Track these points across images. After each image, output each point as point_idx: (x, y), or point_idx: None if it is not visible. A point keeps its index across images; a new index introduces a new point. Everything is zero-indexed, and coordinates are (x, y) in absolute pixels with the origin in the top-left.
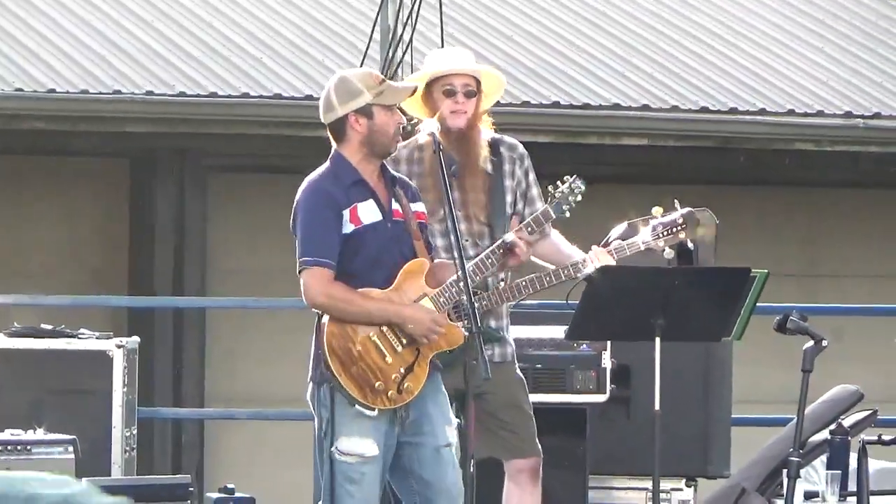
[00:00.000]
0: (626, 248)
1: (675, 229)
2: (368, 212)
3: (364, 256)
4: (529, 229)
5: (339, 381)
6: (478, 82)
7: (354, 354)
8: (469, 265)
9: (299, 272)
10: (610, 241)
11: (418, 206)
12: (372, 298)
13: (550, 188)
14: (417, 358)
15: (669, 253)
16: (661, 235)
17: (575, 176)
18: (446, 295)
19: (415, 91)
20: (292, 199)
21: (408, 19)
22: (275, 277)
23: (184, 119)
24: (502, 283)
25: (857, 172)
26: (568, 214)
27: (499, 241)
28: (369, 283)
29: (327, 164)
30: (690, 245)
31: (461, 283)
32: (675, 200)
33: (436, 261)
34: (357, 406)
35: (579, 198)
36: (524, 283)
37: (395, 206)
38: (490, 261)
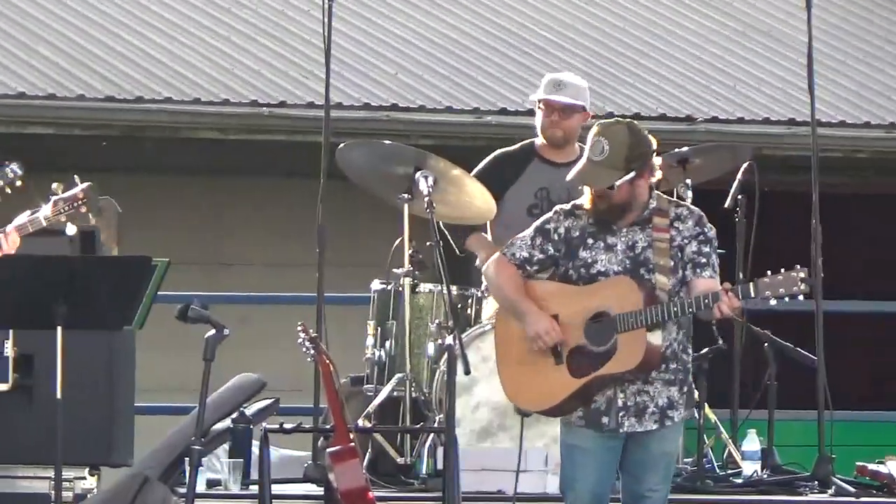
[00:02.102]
0: (30, 226)
1: (76, 204)
2: None
3: None
4: None
5: None
6: None
7: None
8: None
9: None
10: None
11: None
12: None
13: None
14: None
15: (72, 229)
16: (62, 211)
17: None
18: None
19: None
20: None
21: None
22: None
23: None
24: None
25: (260, 161)
26: None
27: None
28: None
29: None
30: (93, 221)
31: None
32: (75, 176)
33: None
34: None
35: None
36: None
37: None
38: None
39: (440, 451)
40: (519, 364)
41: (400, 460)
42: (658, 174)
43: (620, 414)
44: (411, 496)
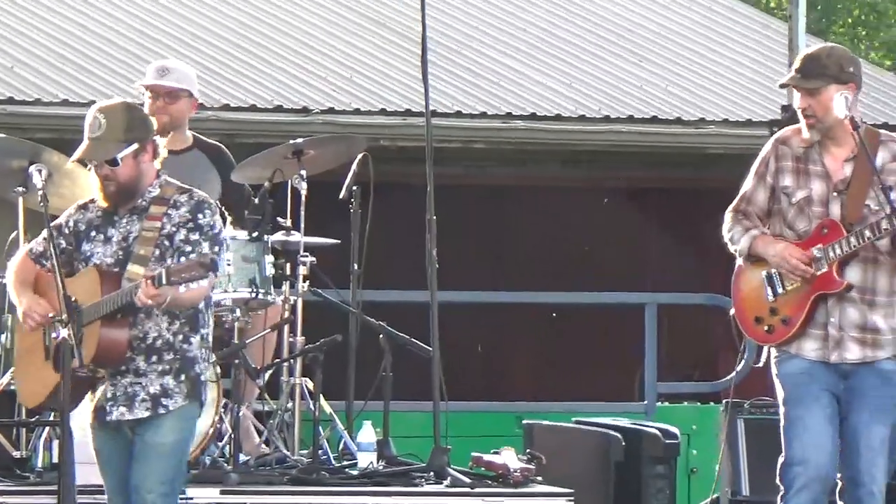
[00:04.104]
0: None
1: None
2: None
3: None
4: None
5: None
6: None
7: None
8: None
9: None
10: None
11: None
12: None
13: None
14: None
15: None
16: None
17: None
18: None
19: None
20: None
21: None
22: None
23: None
24: None
25: None
26: None
27: None
28: None
29: None
30: None
31: None
32: None
33: None
34: None
35: None
36: None
37: None
38: None
39: (56, 443)
40: (22, 361)
41: (15, 454)
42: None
43: (110, 404)
44: (27, 489)
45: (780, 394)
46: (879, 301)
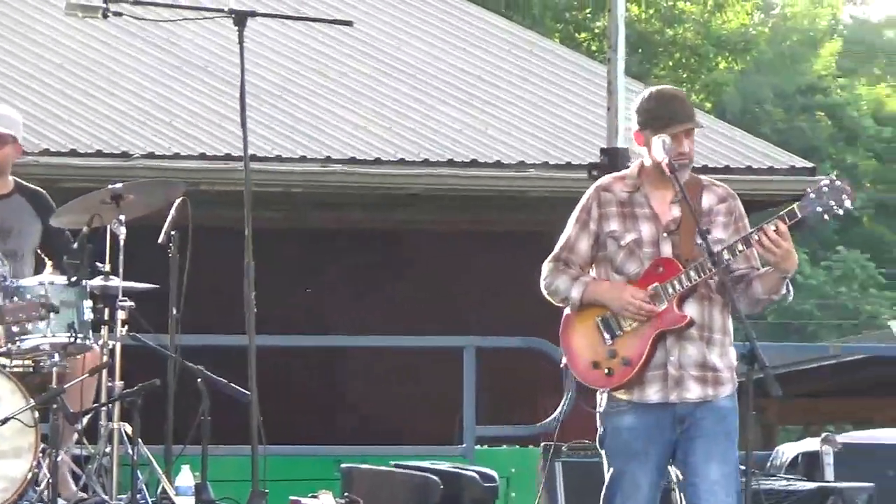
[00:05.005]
0: None
1: None
2: None
3: None
4: None
5: None
6: None
7: None
8: None
9: None
10: None
11: None
12: None
13: None
14: None
15: None
16: None
17: None
18: None
19: None
20: None
21: None
22: None
23: None
24: None
25: None
26: None
27: None
28: None
29: None
30: None
31: None
32: None
33: None
34: None
35: None
36: None
37: None
38: None
39: None
40: None
41: None
42: None
43: None
44: None
45: (607, 445)
46: (716, 339)
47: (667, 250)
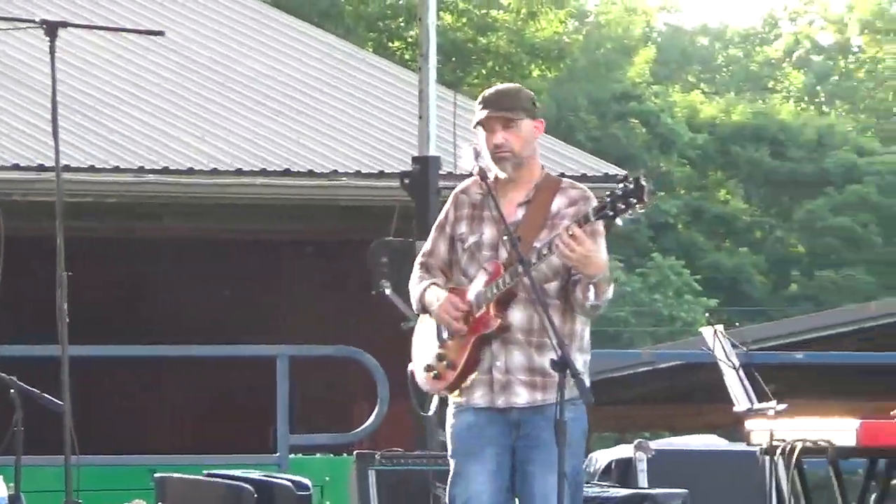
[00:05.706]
0: None
1: None
2: None
3: None
4: None
5: None
6: None
7: None
8: None
9: None
10: None
11: None
12: None
13: None
14: None
15: None
16: None
17: None
18: None
19: None
20: None
21: None
22: None
23: None
24: None
25: None
26: None
27: None
28: None
29: None
30: None
31: None
32: None
33: None
34: None
35: None
36: None
37: None
38: None
39: None
40: None
41: None
42: None
43: None
44: None
45: (450, 444)
46: (548, 343)
47: (504, 254)
